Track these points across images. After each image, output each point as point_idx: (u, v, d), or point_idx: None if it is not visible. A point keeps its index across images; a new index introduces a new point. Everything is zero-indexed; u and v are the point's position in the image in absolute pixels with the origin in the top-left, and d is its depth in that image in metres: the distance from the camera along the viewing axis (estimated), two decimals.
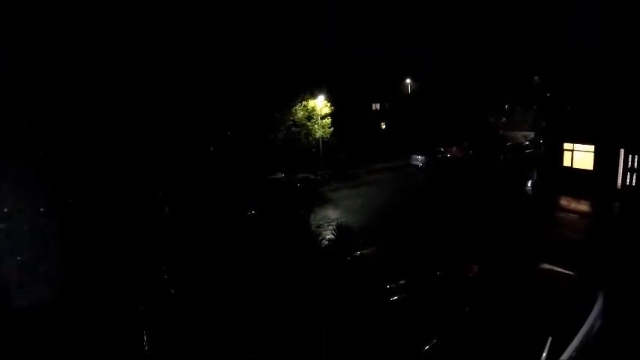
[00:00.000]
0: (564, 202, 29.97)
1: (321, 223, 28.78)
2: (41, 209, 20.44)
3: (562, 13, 32.72)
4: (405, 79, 65.68)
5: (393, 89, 64.33)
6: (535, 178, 35.55)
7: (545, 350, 10.00)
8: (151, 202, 27.82)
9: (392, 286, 15.82)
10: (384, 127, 65.36)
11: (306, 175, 42.27)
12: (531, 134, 57.22)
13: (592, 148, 32.30)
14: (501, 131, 64.33)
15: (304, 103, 46.54)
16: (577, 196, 30.24)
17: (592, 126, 31.70)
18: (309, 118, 46.96)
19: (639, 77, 28.49)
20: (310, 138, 47.09)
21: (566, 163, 34.25)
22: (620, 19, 28.22)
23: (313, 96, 46.89)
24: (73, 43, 26.66)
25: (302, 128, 46.73)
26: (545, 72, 47.04)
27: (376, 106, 65.02)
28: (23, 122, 22.06)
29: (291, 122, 46.37)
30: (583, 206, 29.04)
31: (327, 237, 21.84)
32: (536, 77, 60.28)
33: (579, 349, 10.54)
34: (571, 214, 27.48)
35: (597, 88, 31.07)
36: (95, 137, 27.29)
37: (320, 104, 47.24)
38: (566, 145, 34.20)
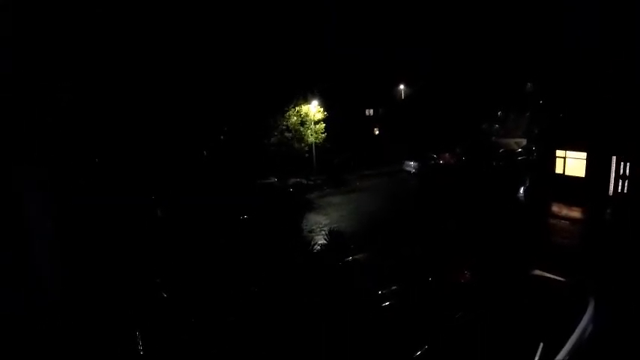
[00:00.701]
0: (556, 208, 30.05)
1: (313, 228, 28.67)
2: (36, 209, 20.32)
3: (562, 14, 32.58)
4: (399, 84, 65.72)
5: (387, 94, 64.42)
6: (527, 184, 35.64)
7: (537, 356, 9.96)
8: (145, 203, 27.82)
9: (384, 291, 15.76)
10: (377, 132, 65.48)
11: (298, 180, 42.22)
12: (524, 141, 57.51)
13: (584, 155, 32.43)
14: (494, 138, 64.60)
15: (297, 108, 46.52)
16: (569, 203, 30.32)
17: (584, 133, 31.83)
18: (303, 123, 46.94)
19: (635, 82, 28.55)
20: (303, 143, 47.04)
21: (559, 170, 34.37)
22: (620, 19, 28.24)
23: (307, 101, 46.89)
24: (73, 43, 26.68)
25: (295, 133, 46.68)
26: (539, 78, 47.17)
27: (369, 112, 65.12)
28: (23, 122, 22.04)
29: (284, 127, 46.35)
30: (575, 213, 29.10)
31: (319, 242, 21.83)
32: (529, 84, 60.53)
33: (570, 355, 10.51)
34: (563, 221, 27.52)
35: (591, 94, 31.18)
36: (93, 138, 27.30)
37: (313, 109, 47.23)
38: (559, 152, 34.33)
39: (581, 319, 11.45)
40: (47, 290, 16.49)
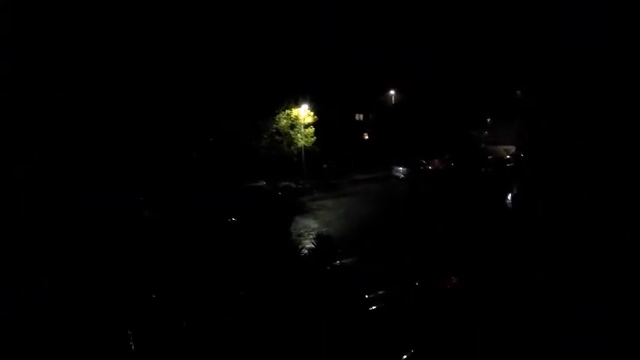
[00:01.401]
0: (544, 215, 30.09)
1: (301, 232, 28.66)
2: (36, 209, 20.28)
3: (562, 14, 32.38)
4: (389, 89, 65.51)
5: (378, 99, 64.35)
6: (515, 191, 35.74)
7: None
8: (137, 204, 27.75)
9: (371, 295, 15.80)
10: (367, 137, 65.48)
11: (287, 183, 42.12)
12: (512, 148, 57.80)
13: None
14: (483, 145, 64.94)
15: (288, 111, 46.47)
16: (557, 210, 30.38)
17: (574, 140, 31.86)
18: (293, 126, 46.84)
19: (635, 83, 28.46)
20: (293, 147, 46.97)
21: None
22: (620, 19, 28.18)
23: (297, 104, 46.85)
24: (73, 44, 26.70)
25: (285, 137, 46.62)
26: (534, 82, 47.21)
27: (359, 117, 65.01)
28: (23, 122, 22.06)
29: (274, 130, 46.29)
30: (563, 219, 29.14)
31: (308, 246, 21.84)
32: (518, 91, 60.91)
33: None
34: (550, 227, 27.56)
35: (588, 97, 31.11)
36: (92, 138, 27.24)
37: (303, 113, 47.16)
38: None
39: (569, 324, 11.52)
40: (47, 290, 16.55)
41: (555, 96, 34.96)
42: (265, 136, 45.79)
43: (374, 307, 15.21)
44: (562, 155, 28.46)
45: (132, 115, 32.29)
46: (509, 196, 34.94)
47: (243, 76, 41.79)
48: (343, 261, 19.56)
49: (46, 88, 24.14)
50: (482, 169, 50.69)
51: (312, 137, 47.49)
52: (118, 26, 30.57)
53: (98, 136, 28.47)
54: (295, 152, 47.22)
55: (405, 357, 11.42)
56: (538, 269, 14.81)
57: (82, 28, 27.39)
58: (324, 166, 51.08)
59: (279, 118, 46.12)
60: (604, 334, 11.72)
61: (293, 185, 42.57)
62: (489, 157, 55.44)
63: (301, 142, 46.89)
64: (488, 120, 69.58)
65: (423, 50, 60.67)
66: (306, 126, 47.26)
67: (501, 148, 60.80)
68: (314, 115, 48.00)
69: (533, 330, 10.86)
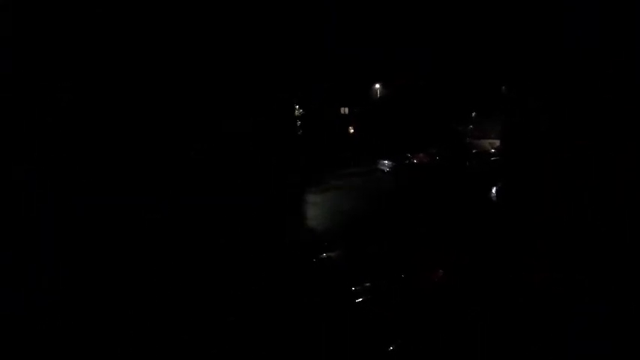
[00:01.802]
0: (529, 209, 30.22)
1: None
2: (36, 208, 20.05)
3: (562, 14, 32.44)
4: (375, 84, 65.49)
5: (363, 94, 64.33)
6: (500, 185, 35.89)
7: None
8: (134, 203, 27.68)
9: (357, 288, 15.75)
10: (352, 131, 65.48)
11: None
12: (497, 142, 58.12)
13: None
14: (468, 139, 65.27)
15: None
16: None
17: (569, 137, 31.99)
18: None
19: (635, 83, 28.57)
20: None
21: None
22: (620, 19, 28.25)
23: None
24: (73, 43, 26.49)
25: None
26: (529, 86, 47.49)
27: (345, 110, 64.96)
28: (23, 122, 21.86)
29: None
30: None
31: (292, 240, 21.78)
32: (503, 87, 61.19)
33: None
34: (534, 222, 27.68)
35: (579, 105, 31.22)
36: (93, 138, 27.08)
37: None
38: None
39: (573, 322, 11.52)
40: (47, 290, 16.48)
41: (555, 96, 35.12)
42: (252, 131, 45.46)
43: (360, 300, 15.15)
44: (562, 155, 28.84)
45: (132, 114, 32.16)
46: (494, 190, 35.10)
47: (239, 76, 41.52)
48: (329, 254, 19.50)
49: (46, 88, 24.00)
50: (467, 163, 50.95)
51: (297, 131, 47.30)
52: (118, 26, 30.47)
53: (98, 135, 28.34)
54: None
55: (391, 348, 11.33)
56: (538, 269, 14.81)
57: (81, 28, 27.25)
58: (310, 159, 50.98)
59: None
60: (604, 334, 11.72)
61: None
62: (474, 151, 55.77)
63: None
64: (473, 114, 69.95)
65: (412, 47, 60.82)
66: None
67: (486, 142, 61.15)
68: (299, 107, 47.79)
69: (532, 330, 10.79)
